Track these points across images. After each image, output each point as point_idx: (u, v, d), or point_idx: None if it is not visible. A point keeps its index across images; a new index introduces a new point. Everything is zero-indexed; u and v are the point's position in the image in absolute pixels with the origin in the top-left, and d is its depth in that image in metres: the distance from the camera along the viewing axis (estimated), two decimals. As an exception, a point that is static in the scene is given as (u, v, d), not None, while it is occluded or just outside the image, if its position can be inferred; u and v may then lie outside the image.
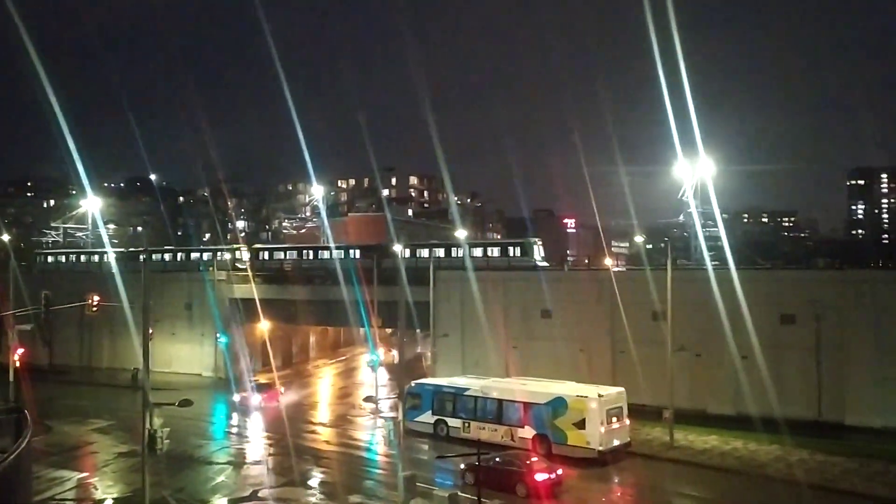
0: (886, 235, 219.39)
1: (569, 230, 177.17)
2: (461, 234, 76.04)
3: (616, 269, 67.26)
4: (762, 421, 48.57)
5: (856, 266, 58.69)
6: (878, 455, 42.14)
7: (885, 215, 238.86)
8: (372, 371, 67.05)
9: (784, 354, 54.24)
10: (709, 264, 56.85)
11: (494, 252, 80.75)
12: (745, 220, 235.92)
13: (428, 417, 48.75)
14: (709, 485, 39.19)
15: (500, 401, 46.18)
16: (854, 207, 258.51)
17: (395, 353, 70.53)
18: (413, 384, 51.10)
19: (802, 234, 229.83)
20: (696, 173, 77.67)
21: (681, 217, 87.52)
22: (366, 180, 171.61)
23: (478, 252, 79.97)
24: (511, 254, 77.69)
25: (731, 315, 53.29)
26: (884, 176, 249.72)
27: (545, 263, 75.79)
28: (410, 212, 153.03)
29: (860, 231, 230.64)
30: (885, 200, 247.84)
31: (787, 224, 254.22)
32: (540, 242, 79.68)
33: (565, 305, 63.29)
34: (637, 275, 59.50)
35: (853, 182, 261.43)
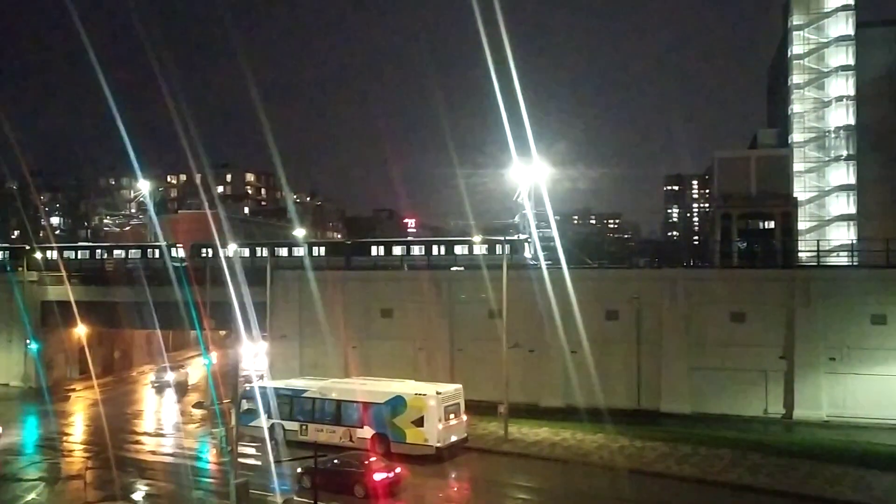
0: (697, 237, 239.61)
1: (409, 230, 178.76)
2: (299, 232, 74.58)
3: (455, 268, 68.46)
4: (589, 412, 51.59)
5: (671, 265, 63.67)
6: (688, 439, 45.80)
7: (696, 218, 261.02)
8: (204, 375, 64.09)
9: (609, 348, 57.83)
10: (543, 264, 59.33)
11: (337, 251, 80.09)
12: (575, 222, 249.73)
13: (263, 421, 47.27)
14: (539, 475, 40.83)
15: (338, 402, 45.64)
16: (669, 211, 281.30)
17: (213, 356, 67.62)
18: (247, 387, 49.32)
19: (626, 236, 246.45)
20: (530, 176, 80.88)
21: (516, 218, 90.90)
22: (198, 177, 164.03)
23: (322, 251, 79.03)
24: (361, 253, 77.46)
25: (562, 312, 56.13)
26: (694, 183, 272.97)
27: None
28: (247, 210, 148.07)
29: (675, 233, 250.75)
30: (695, 205, 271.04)
31: (612, 226, 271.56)
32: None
33: (405, 305, 63.77)
34: (475, 274, 60.96)
35: (669, 188, 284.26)
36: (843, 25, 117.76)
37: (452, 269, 68.51)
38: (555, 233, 77.71)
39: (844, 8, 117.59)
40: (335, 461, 37.37)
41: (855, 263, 70.27)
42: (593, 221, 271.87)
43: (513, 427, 47.58)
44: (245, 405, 47.18)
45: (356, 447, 42.79)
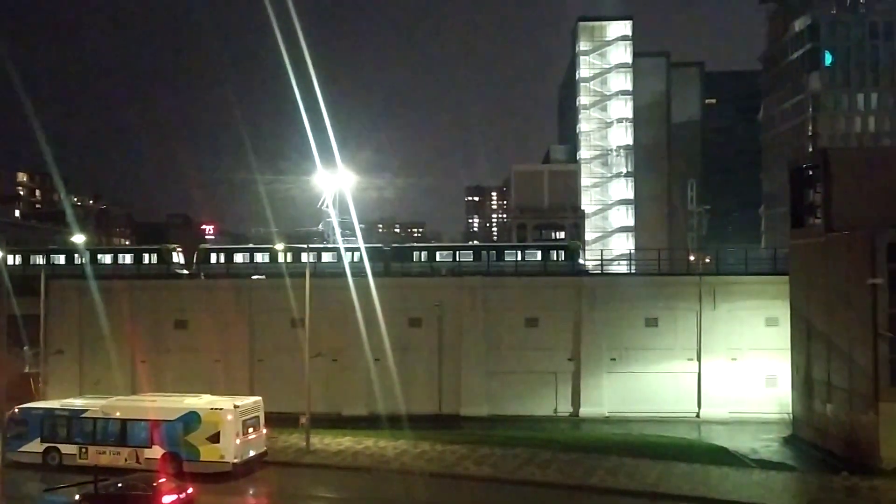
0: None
1: (207, 236, 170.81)
2: (79, 238, 68.36)
3: (256, 276, 66.18)
4: (392, 419, 52.04)
5: (470, 273, 66.03)
6: (486, 441, 47.62)
7: (495, 228, 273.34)
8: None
9: (412, 355, 58.70)
10: (348, 272, 59.00)
11: (127, 259, 74.41)
12: (380, 230, 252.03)
13: (36, 446, 42.70)
14: (341, 485, 40.45)
15: (123, 421, 42.27)
16: (470, 220, 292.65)
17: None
18: (17, 409, 44.29)
19: (430, 244, 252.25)
20: (334, 184, 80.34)
21: (320, 225, 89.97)
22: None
23: (108, 259, 73.05)
24: (147, 261, 72.33)
25: (366, 320, 56.15)
26: (493, 194, 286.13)
27: (186, 271, 72.03)
28: (18, 213, 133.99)
29: (475, 241, 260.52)
30: (494, 215, 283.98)
31: (416, 234, 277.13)
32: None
33: (202, 315, 60.64)
34: (277, 282, 59.29)
35: (470, 198, 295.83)
36: (623, 53, 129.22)
37: (253, 277, 66.16)
38: (360, 240, 77.76)
39: (623, 38, 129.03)
40: (119, 485, 34.54)
41: (633, 271, 77.07)
42: (398, 230, 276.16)
43: (315, 438, 46.73)
44: (15, 429, 42.38)
45: (144, 469, 39.87)
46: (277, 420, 47.98)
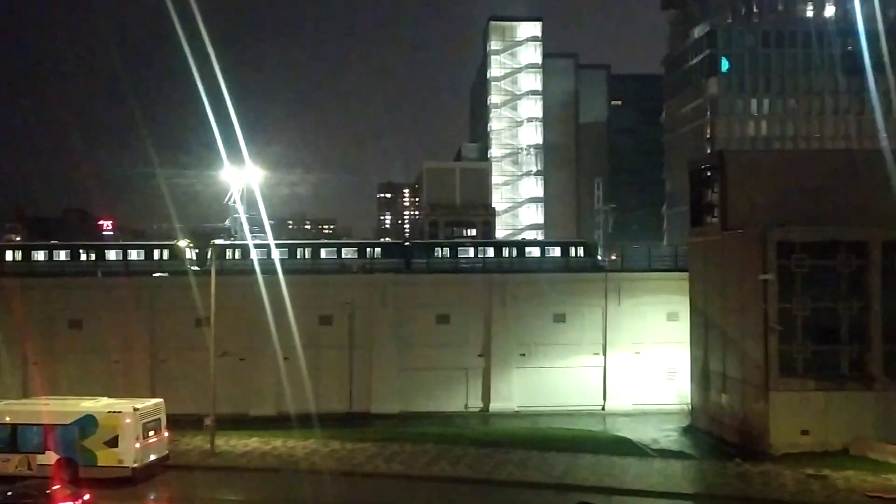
0: (408, 243, 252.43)
1: (105, 232, 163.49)
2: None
3: (158, 274, 63.82)
4: (302, 418, 51.19)
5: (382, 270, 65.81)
6: (397, 438, 47.53)
7: (407, 225, 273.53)
8: None
9: (322, 353, 57.93)
10: (258, 269, 57.64)
11: (18, 256, 70.50)
12: (290, 227, 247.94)
13: (-88, 456, 39.90)
14: (247, 487, 39.54)
15: (13, 426, 39.97)
16: (383, 217, 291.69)
17: None
18: None
19: (341, 241, 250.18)
20: (242, 179, 78.43)
21: (227, 222, 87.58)
22: None
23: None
24: (44, 258, 68.66)
25: (276, 318, 55.01)
26: (406, 191, 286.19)
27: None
28: None
29: (387, 238, 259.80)
30: (406, 212, 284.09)
31: (327, 231, 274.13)
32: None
33: (98, 314, 57.93)
34: (181, 280, 57.32)
35: (382, 195, 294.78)
36: (533, 54, 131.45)
37: (155, 275, 63.77)
38: (269, 237, 76.25)
39: (533, 39, 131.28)
40: (8, 493, 32.70)
41: (542, 267, 78.48)
42: (308, 226, 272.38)
43: (220, 440, 45.50)
44: None
45: (37, 475, 37.81)
46: (181, 422, 46.44)
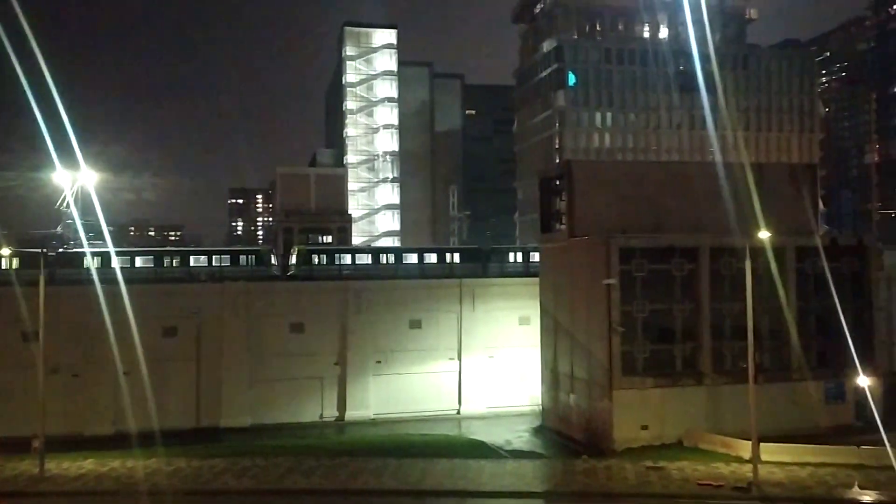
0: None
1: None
2: None
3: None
4: (144, 436, 48.08)
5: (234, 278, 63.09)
6: (248, 452, 45.79)
7: (261, 231, 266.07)
8: None
9: (167, 366, 54.89)
10: (96, 278, 53.70)
11: None
12: (132, 233, 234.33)
13: None
14: (83, 513, 36.67)
15: None
16: (234, 224, 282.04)
17: None
18: None
19: (187, 248, 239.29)
20: (76, 182, 73.10)
21: (58, 228, 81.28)
22: None
23: None
24: None
25: (115, 331, 51.46)
26: (259, 197, 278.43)
27: None
28: None
29: (239, 246, 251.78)
30: (260, 218, 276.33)
31: (173, 238, 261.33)
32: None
33: None
34: (5, 291, 52.38)
35: (233, 201, 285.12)
36: (388, 61, 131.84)
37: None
38: (109, 245, 71.40)
39: (389, 46, 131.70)
40: None
41: (398, 274, 78.38)
42: (152, 233, 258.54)
43: (51, 463, 41.91)
44: None
45: None
46: (7, 445, 42.60)
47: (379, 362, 58.90)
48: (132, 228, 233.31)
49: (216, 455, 44.95)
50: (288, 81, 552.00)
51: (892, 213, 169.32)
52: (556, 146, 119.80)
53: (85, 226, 74.88)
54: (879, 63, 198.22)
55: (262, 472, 41.32)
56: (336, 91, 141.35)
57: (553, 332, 53.47)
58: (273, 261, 68.46)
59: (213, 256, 65.72)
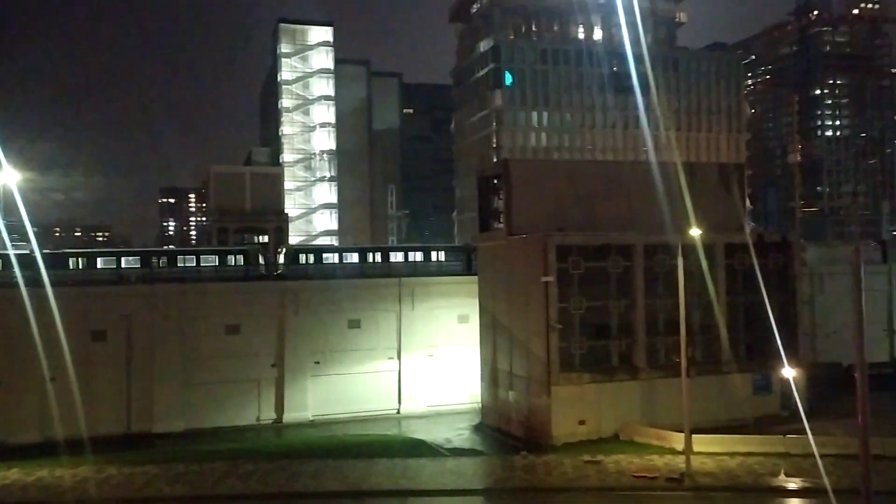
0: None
1: None
2: None
3: None
4: (72, 444, 46.47)
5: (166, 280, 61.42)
6: (181, 457, 44.68)
7: (194, 231, 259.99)
8: None
9: (96, 371, 53.16)
10: (21, 282, 51.50)
11: None
12: (57, 234, 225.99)
13: None
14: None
15: None
16: (166, 224, 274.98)
17: None
18: None
19: (118, 248, 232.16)
20: (-3, 181, 70.01)
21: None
22: None
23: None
24: None
25: (42, 335, 49.49)
26: (192, 196, 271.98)
27: None
28: None
29: (171, 246, 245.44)
30: (192, 218, 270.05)
31: (101, 238, 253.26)
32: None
33: None
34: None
35: (164, 200, 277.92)
36: (325, 59, 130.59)
37: None
38: (35, 247, 68.57)
39: (325, 44, 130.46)
40: None
41: (337, 274, 77.75)
42: (79, 233, 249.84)
43: (-29, 475, 40.08)
44: None
45: None
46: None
47: (317, 363, 58.29)
48: (57, 229, 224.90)
49: (148, 461, 43.70)
50: (221, 78, 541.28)
51: (813, 211, 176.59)
52: (494, 145, 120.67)
53: (7, 226, 71.72)
54: (801, 66, 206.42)
55: (197, 478, 40.37)
56: (271, 88, 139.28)
57: (492, 330, 53.83)
58: (261, 260, 68.30)
59: (201, 256, 65.13)
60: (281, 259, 68.31)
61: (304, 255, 68.58)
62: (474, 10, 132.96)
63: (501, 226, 53.50)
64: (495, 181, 55.82)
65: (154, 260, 63.50)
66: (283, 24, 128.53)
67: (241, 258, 65.38)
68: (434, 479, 40.07)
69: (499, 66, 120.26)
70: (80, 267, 61.40)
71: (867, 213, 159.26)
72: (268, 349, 57.67)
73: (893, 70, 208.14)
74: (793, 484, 37.25)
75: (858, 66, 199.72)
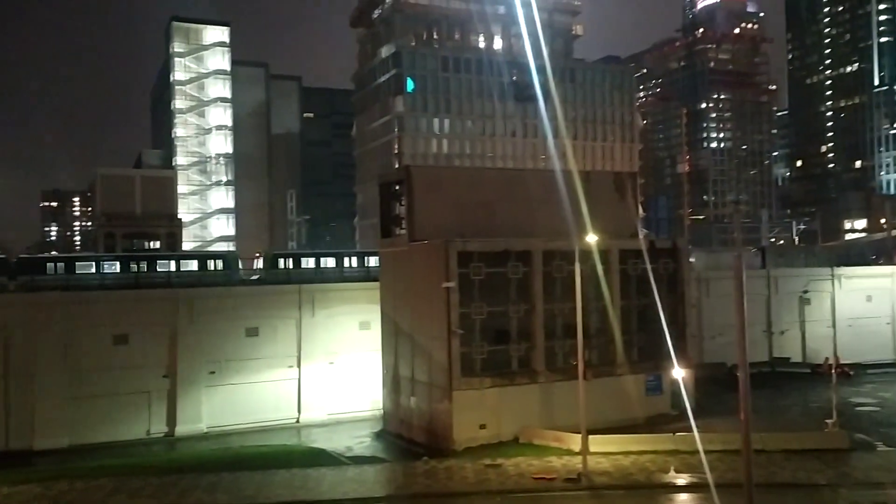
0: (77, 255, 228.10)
1: None
2: None
3: None
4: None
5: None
6: (65, 475, 42.12)
7: (78, 237, 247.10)
8: None
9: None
10: None
11: None
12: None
13: None
14: None
15: None
16: (47, 229, 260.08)
17: None
18: None
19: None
20: None
21: None
22: None
23: None
24: None
25: None
26: (76, 199, 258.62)
27: None
28: None
29: (54, 252, 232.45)
30: (77, 223, 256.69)
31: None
32: None
33: None
34: None
35: (46, 204, 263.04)
36: (221, 60, 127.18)
37: None
38: None
39: (221, 44, 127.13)
40: None
41: (233, 281, 75.72)
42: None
43: None
44: None
45: None
46: None
47: (213, 373, 56.34)
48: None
49: (29, 480, 40.99)
50: (109, 77, 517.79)
51: (700, 219, 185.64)
52: (396, 151, 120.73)
53: None
54: (688, 81, 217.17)
55: (82, 496, 38.16)
56: (164, 89, 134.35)
57: (394, 336, 53.60)
58: (240, 265, 67.31)
59: (181, 261, 64.45)
60: (259, 264, 69.45)
61: (284, 261, 70.07)
62: (376, 16, 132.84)
63: (403, 232, 53.39)
64: (397, 187, 55.69)
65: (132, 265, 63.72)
66: (176, 23, 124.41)
67: (220, 262, 67.56)
68: (334, 488, 39.43)
69: (400, 73, 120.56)
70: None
71: (748, 221, 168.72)
72: (159, 359, 55.31)
73: (771, 87, 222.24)
74: (682, 479, 38.81)
75: (740, 82, 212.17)
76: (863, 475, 38.93)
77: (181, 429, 54.81)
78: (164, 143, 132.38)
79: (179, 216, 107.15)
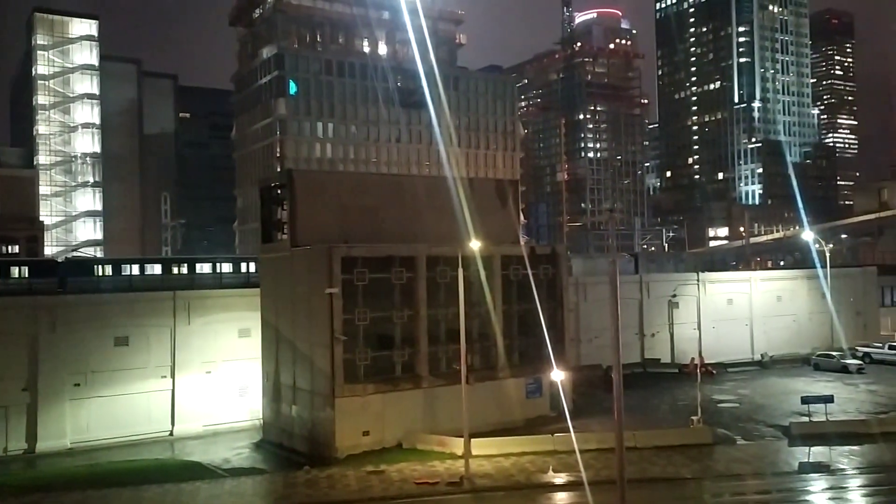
0: None
1: None
2: None
3: None
4: None
5: None
6: None
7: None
8: None
9: None
10: None
11: None
12: None
13: None
14: None
15: None
16: None
17: None
18: None
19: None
20: None
21: None
22: None
23: None
24: None
25: None
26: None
27: None
28: None
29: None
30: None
31: None
32: None
33: None
34: None
35: None
36: (88, 54, 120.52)
37: None
38: None
39: (89, 38, 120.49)
40: None
41: (101, 288, 71.58)
42: None
43: None
44: None
45: None
46: None
47: (78, 385, 52.93)
48: None
49: None
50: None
51: (578, 225, 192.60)
52: (277, 154, 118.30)
53: None
54: (567, 93, 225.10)
55: (-75, 525, 34.97)
56: (24, 83, 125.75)
57: (275, 344, 52.28)
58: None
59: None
60: None
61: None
62: (256, 15, 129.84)
63: (285, 237, 52.24)
64: (279, 191, 54.44)
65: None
66: (38, 14, 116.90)
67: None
68: (210, 501, 37.99)
69: (283, 75, 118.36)
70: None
71: (622, 229, 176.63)
72: (17, 372, 51.39)
73: (644, 101, 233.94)
74: (559, 478, 39.94)
75: (615, 95, 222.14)
76: (724, 468, 41.41)
77: (42, 445, 51.13)
78: (25, 141, 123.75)
79: (41, 219, 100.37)
